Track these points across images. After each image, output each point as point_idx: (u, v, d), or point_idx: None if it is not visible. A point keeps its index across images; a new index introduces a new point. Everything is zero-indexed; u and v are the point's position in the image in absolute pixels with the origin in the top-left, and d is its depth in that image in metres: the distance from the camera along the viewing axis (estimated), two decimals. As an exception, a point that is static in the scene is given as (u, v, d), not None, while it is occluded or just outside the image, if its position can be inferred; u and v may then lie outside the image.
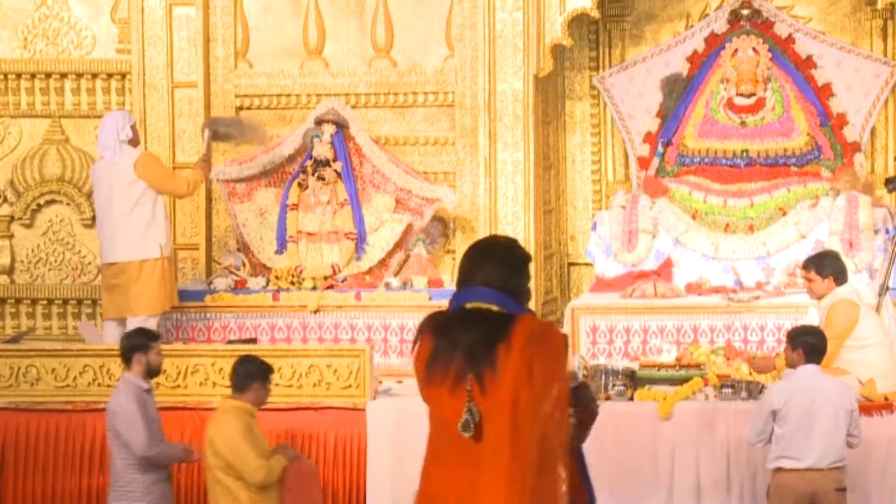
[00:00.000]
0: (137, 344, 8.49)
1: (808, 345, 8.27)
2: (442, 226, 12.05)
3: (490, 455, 5.40)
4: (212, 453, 8.24)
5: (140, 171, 10.67)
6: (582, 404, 5.79)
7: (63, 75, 12.61)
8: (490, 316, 5.48)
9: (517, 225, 11.66)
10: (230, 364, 9.62)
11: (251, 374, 8.35)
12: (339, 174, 11.72)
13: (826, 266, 9.20)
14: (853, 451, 8.33)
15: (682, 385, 9.34)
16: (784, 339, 8.65)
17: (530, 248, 11.47)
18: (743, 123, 12.33)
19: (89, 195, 12.16)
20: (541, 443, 5.38)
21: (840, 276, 9.19)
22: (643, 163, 12.49)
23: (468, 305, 5.53)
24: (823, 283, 9.17)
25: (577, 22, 12.00)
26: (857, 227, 11.35)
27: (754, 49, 12.31)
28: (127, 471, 8.34)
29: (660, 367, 9.92)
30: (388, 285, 11.37)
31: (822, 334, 8.41)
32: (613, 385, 9.31)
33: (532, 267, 5.79)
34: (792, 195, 11.88)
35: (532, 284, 5.76)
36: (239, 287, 11.49)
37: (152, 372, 8.51)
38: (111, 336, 10.76)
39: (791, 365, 8.38)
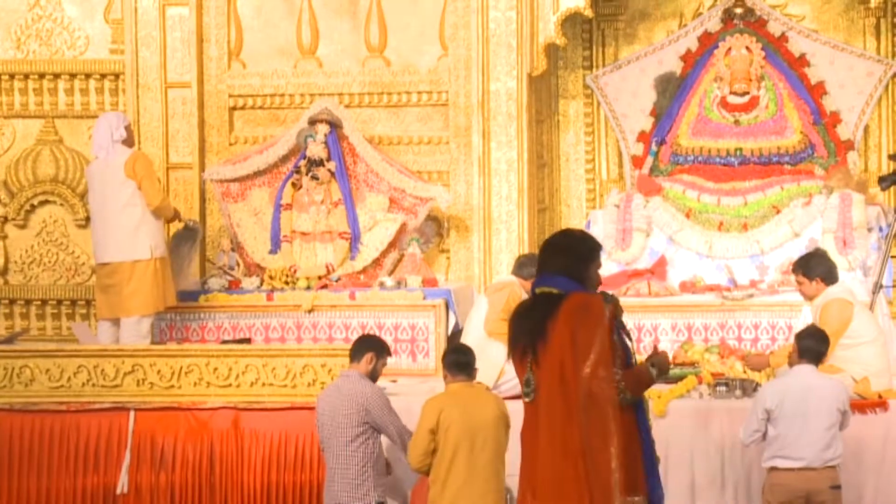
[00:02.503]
0: (379, 346, 8.39)
1: (804, 346, 8.29)
2: (436, 225, 12.04)
3: (546, 416, 6.31)
4: (505, 428, 7.93)
5: (129, 170, 10.66)
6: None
7: (56, 76, 12.60)
8: (549, 297, 6.38)
9: (511, 224, 11.67)
10: (224, 364, 9.66)
11: (472, 360, 8.17)
12: (332, 174, 11.72)
13: (812, 268, 9.20)
14: (848, 448, 8.34)
15: (677, 383, 9.34)
16: (777, 336, 8.67)
17: (524, 247, 11.50)
18: (736, 122, 12.35)
19: (83, 196, 12.16)
20: (588, 400, 6.22)
21: (828, 277, 9.18)
22: (637, 161, 12.51)
23: (538, 290, 6.47)
24: (812, 286, 9.18)
25: (571, 21, 12.01)
26: (850, 225, 11.37)
27: (748, 48, 12.33)
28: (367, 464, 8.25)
29: (654, 365, 9.91)
30: (382, 285, 11.37)
31: (821, 337, 8.40)
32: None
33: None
34: (785, 193, 11.90)
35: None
36: (233, 287, 11.49)
37: (371, 377, 8.39)
38: (105, 336, 10.76)
39: (791, 364, 8.41)
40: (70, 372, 9.72)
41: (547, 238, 6.66)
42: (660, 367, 6.56)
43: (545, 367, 6.34)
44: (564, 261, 6.47)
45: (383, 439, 8.31)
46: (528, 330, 6.42)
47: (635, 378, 6.41)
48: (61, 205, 12.55)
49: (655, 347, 6.55)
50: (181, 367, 9.67)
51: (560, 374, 6.27)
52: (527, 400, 6.47)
